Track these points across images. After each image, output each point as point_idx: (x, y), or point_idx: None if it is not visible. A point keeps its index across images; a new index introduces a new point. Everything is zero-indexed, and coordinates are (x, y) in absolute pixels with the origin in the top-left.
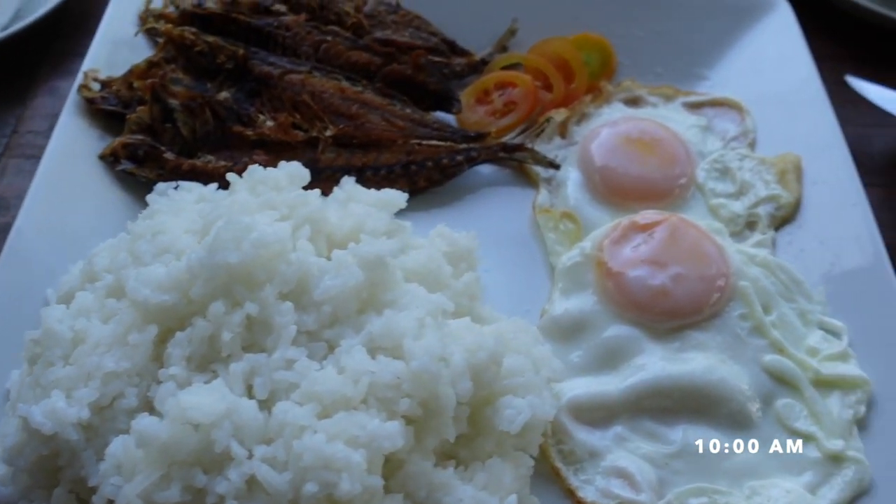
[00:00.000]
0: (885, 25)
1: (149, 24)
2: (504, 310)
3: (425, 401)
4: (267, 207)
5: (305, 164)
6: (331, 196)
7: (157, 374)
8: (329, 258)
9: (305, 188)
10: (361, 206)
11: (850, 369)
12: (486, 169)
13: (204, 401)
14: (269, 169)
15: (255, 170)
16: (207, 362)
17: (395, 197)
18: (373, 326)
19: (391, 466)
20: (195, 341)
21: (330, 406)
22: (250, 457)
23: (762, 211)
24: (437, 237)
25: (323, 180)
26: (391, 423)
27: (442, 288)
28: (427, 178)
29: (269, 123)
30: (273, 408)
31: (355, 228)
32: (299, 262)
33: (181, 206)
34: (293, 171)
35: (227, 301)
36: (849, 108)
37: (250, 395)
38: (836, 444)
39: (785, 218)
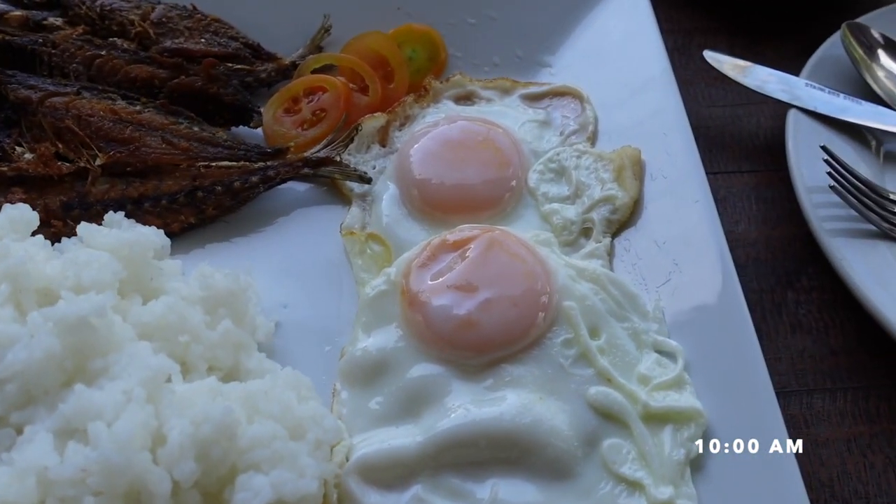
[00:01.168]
0: None
1: None
2: (301, 352)
3: (127, 494)
4: None
5: (74, 200)
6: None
7: None
8: None
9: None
10: (89, 252)
11: (684, 399)
12: (299, 187)
13: None
14: None
15: None
16: None
17: (147, 236)
18: (65, 406)
19: None
20: None
21: None
22: None
23: (597, 216)
24: (194, 280)
25: (94, 216)
26: None
27: (191, 342)
28: (217, 204)
29: (28, 156)
30: None
31: (77, 282)
32: None
33: None
34: (16, 216)
35: None
36: (718, 86)
37: None
38: (664, 492)
39: (622, 222)
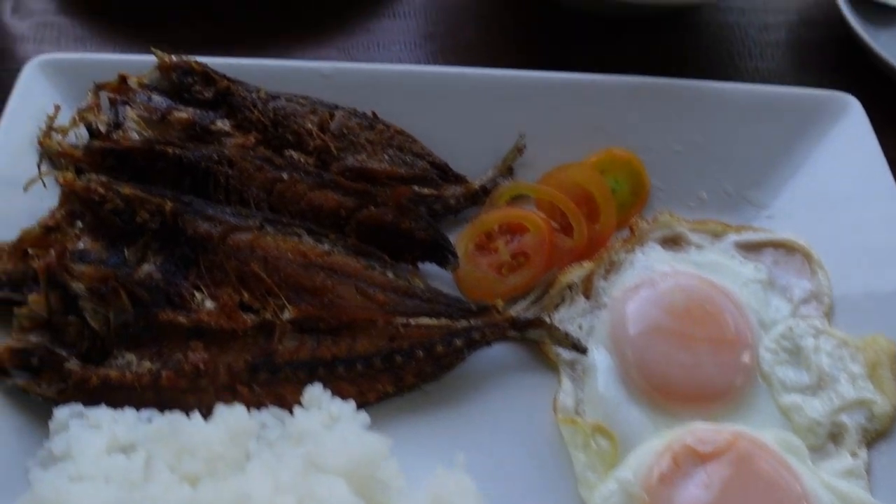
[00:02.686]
0: None
1: (48, 146)
2: None
3: None
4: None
5: (259, 360)
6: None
7: None
8: None
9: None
10: (325, 479)
11: None
12: (496, 347)
13: None
14: (202, 426)
15: (180, 428)
16: None
17: (375, 448)
18: None
19: None
20: None
21: None
22: None
23: (849, 420)
24: (431, 496)
25: (282, 381)
26: None
27: None
28: (417, 372)
29: (209, 304)
30: None
31: None
32: None
33: (84, 459)
34: (235, 427)
35: None
36: None
37: None
38: None
39: (880, 432)
